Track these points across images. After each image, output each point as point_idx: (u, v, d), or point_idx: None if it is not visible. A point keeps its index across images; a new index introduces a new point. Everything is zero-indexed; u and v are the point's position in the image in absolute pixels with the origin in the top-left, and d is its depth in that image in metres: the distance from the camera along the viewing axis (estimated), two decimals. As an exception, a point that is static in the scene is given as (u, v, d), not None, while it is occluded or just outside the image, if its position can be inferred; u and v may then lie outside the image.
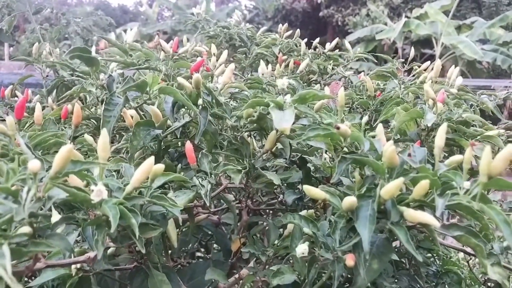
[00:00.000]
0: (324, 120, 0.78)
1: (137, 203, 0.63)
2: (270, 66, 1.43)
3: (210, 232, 1.22)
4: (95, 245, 0.59)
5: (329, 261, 0.72)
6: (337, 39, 1.76)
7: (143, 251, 0.62)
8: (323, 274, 0.77)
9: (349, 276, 0.84)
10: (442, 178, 0.68)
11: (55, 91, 1.36)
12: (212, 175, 0.77)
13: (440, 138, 0.71)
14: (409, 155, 0.72)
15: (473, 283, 1.25)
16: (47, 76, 1.75)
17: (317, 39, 1.75)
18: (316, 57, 1.74)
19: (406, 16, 13.49)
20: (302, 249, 0.70)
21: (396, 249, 1.20)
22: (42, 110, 0.96)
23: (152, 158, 0.62)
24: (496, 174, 0.63)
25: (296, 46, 1.81)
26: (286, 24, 1.85)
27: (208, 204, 0.73)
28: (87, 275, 0.85)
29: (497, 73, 13.14)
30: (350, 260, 0.67)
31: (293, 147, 0.92)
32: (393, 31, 12.72)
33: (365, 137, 0.75)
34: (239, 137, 0.86)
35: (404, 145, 1.05)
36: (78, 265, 0.83)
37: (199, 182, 0.74)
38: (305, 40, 1.76)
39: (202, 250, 1.34)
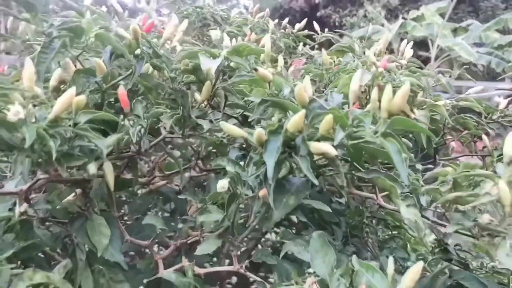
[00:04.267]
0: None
1: (61, 131, 0.67)
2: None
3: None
4: (13, 165, 0.63)
5: (250, 198, 0.76)
6: (305, 20, 1.80)
7: (64, 175, 0.66)
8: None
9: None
10: (354, 121, 0.73)
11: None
12: (144, 119, 0.81)
13: (355, 83, 0.75)
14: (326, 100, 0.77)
15: (418, 248, 1.29)
16: (21, 51, 1.79)
17: (286, 19, 1.80)
18: (285, 37, 1.78)
19: (403, 18, 13.56)
20: (222, 184, 0.74)
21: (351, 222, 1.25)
22: None
23: (73, 88, 0.66)
24: (396, 111, 0.67)
25: (267, 26, 1.85)
26: (258, 5, 1.90)
27: (134, 141, 0.77)
28: (30, 219, 0.89)
29: (492, 76, 13.19)
30: (262, 192, 0.71)
31: (237, 104, 0.97)
32: (389, 32, 12.77)
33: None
34: (178, 89, 0.90)
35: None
36: (22, 209, 0.87)
37: (129, 123, 0.78)
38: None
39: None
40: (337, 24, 15.02)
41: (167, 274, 0.84)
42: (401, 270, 1.25)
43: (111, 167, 0.86)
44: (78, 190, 0.94)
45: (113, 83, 0.89)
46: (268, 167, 0.65)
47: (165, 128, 0.91)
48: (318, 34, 1.80)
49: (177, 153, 1.05)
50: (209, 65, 0.76)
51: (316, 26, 1.83)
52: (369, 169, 0.82)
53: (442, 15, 13.59)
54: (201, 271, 0.87)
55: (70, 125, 0.70)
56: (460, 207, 0.81)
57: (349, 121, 0.71)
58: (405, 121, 0.71)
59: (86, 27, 0.78)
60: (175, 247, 1.00)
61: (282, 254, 0.80)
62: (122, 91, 0.79)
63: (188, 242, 0.97)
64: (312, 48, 1.78)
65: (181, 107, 0.86)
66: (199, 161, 1.12)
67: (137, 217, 1.14)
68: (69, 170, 0.89)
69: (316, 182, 0.65)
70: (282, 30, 1.81)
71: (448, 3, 12.90)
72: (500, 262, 0.70)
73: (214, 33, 0.90)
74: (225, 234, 0.85)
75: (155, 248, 1.11)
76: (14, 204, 0.86)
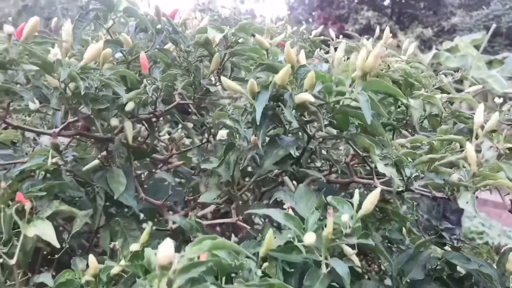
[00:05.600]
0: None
1: (89, 77, 0.81)
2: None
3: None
4: (51, 102, 0.78)
5: (245, 147, 0.88)
6: (321, 26, 1.93)
7: (89, 112, 0.80)
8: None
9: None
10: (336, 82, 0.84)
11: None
12: (160, 81, 0.95)
13: (339, 51, 0.87)
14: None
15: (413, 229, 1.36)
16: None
17: (304, 26, 1.94)
18: (302, 42, 1.92)
19: (436, 48, 13.53)
20: (221, 133, 0.86)
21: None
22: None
23: (101, 42, 0.80)
24: (369, 69, 0.79)
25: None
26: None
27: (150, 95, 0.90)
28: (60, 168, 1.03)
29: (527, 109, 12.88)
30: (253, 140, 0.83)
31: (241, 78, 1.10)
32: (422, 63, 12.76)
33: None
34: (192, 62, 1.04)
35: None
36: (54, 160, 1.02)
37: (146, 84, 0.92)
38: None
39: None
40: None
41: (172, 217, 0.96)
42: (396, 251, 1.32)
43: (131, 125, 1.00)
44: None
45: (137, 56, 1.04)
46: (257, 112, 0.77)
47: (180, 95, 1.04)
48: (333, 40, 1.93)
49: (190, 124, 1.18)
50: (214, 34, 0.89)
51: (331, 33, 1.96)
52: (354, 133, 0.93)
53: (477, 47, 13.50)
54: (204, 223, 0.98)
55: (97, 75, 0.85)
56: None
57: (332, 81, 0.82)
58: (379, 82, 0.82)
59: (116, 2, 0.94)
60: (185, 212, 1.13)
61: (271, 200, 0.90)
62: (143, 55, 0.93)
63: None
64: (327, 52, 1.91)
65: (193, 75, 0.99)
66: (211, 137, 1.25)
67: (153, 183, 1.27)
68: (94, 128, 1.04)
69: (296, 124, 0.76)
70: (299, 36, 1.94)
71: (483, 35, 12.82)
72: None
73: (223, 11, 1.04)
74: (226, 186, 0.97)
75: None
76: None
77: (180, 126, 1.18)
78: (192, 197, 1.09)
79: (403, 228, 1.36)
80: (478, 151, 0.86)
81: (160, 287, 0.47)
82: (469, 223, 6.28)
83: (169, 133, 1.56)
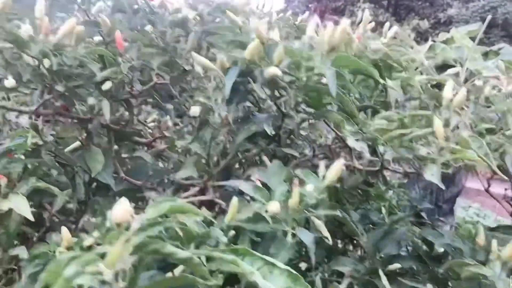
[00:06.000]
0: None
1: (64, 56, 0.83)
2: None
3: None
4: (23, 78, 0.79)
5: (219, 124, 0.90)
6: (307, 13, 1.94)
7: (61, 89, 0.82)
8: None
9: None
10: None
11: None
12: (136, 60, 0.96)
13: (309, 30, 0.89)
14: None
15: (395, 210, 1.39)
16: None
17: (289, 12, 1.95)
18: (288, 27, 1.93)
19: (433, 40, 13.53)
20: (194, 109, 0.88)
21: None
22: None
23: (73, 19, 0.82)
24: (335, 45, 0.80)
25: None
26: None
27: (125, 72, 0.92)
28: (39, 148, 1.05)
29: (524, 101, 12.92)
30: (225, 118, 0.85)
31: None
32: (418, 54, 12.77)
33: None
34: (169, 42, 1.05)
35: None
36: (33, 140, 1.03)
37: (120, 62, 0.93)
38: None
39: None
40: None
41: (149, 194, 0.98)
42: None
43: (108, 104, 1.02)
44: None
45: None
46: (226, 87, 0.78)
47: (158, 75, 1.06)
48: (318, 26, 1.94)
49: (170, 106, 1.19)
50: (187, 12, 0.91)
51: (316, 18, 1.97)
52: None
53: (473, 38, 13.51)
54: (180, 201, 1.00)
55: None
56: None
57: (302, 56, 0.84)
58: (348, 58, 0.84)
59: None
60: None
61: (244, 176, 0.92)
62: (118, 34, 0.94)
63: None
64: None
65: (169, 55, 1.01)
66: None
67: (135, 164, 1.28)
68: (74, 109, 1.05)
69: (263, 95, 0.78)
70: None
71: (479, 26, 12.84)
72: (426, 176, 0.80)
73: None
74: (202, 164, 0.99)
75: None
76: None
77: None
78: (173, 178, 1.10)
79: (383, 208, 1.38)
80: (447, 126, 0.88)
81: (117, 246, 0.49)
82: (464, 213, 6.33)
83: (158, 121, 1.57)
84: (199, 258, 0.60)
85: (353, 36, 1.17)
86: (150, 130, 1.48)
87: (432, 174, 0.80)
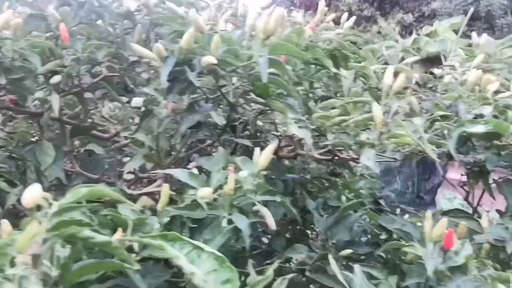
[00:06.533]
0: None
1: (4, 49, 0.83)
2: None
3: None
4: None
5: (164, 115, 0.90)
6: (273, 6, 1.95)
7: (2, 82, 0.82)
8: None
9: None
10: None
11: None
12: (82, 52, 0.96)
13: (249, 19, 0.90)
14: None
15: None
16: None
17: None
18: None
19: (417, 34, 13.63)
20: (136, 100, 0.88)
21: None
22: None
23: (10, 11, 0.82)
24: (270, 32, 0.81)
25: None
26: None
27: (67, 65, 0.92)
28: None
29: (507, 92, 13.08)
30: (170, 106, 0.86)
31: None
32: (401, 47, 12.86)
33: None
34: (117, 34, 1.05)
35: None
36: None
37: (64, 55, 0.93)
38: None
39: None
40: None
41: (100, 185, 0.98)
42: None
43: (57, 98, 1.02)
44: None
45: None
46: (163, 76, 0.79)
47: (108, 68, 1.06)
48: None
49: (124, 99, 1.20)
50: (129, 4, 0.91)
51: (282, 10, 1.98)
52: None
53: (456, 31, 13.63)
54: (129, 191, 1.01)
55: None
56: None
57: (241, 45, 0.85)
58: (286, 46, 0.85)
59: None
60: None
61: (192, 165, 0.93)
62: (62, 27, 0.95)
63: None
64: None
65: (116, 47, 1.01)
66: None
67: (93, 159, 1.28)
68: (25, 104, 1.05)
69: (197, 83, 0.78)
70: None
71: (462, 19, 12.96)
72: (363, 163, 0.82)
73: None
74: (152, 156, 1.00)
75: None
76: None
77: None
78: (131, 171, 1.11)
79: (343, 197, 1.40)
80: (388, 111, 0.90)
81: (28, 230, 0.49)
82: (448, 204, 6.40)
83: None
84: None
85: (303, 27, 1.19)
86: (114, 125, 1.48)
87: (368, 158, 0.82)
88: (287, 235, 1.43)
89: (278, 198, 0.81)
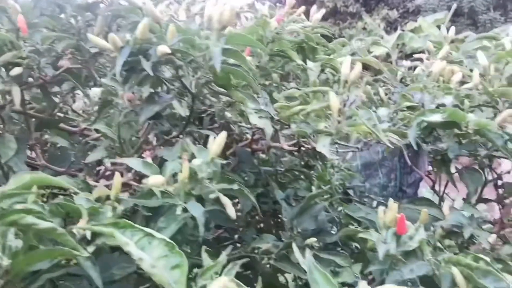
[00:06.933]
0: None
1: None
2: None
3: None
4: None
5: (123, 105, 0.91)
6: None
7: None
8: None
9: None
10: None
11: None
12: (41, 44, 0.96)
13: (207, 9, 0.90)
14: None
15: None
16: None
17: None
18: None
19: (402, 29, 13.74)
20: (94, 91, 0.88)
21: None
22: None
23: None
24: (225, 22, 0.82)
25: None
26: None
27: (25, 56, 0.92)
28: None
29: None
30: (128, 96, 0.86)
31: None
32: (387, 44, 12.96)
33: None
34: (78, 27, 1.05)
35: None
36: None
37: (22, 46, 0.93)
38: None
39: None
40: (336, 36, 15.25)
41: (61, 177, 0.98)
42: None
43: (18, 90, 1.01)
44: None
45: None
46: (117, 65, 0.79)
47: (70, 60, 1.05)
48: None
49: (90, 92, 1.19)
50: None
51: (257, 4, 1.98)
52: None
53: (439, 27, 13.77)
54: (94, 183, 1.01)
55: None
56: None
57: (200, 35, 0.85)
58: (242, 36, 0.86)
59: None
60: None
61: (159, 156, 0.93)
62: (20, 18, 0.94)
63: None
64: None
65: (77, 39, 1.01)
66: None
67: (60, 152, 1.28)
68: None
69: (150, 72, 0.79)
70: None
71: (445, 14, 13.10)
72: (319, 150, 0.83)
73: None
74: (116, 147, 1.00)
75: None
76: None
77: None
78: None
79: (313, 188, 1.41)
80: (346, 100, 0.91)
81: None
82: (433, 198, 6.48)
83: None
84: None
85: (269, 19, 1.19)
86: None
87: (323, 145, 0.83)
88: (261, 226, 1.45)
89: (235, 186, 0.82)
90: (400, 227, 0.78)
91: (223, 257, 0.70)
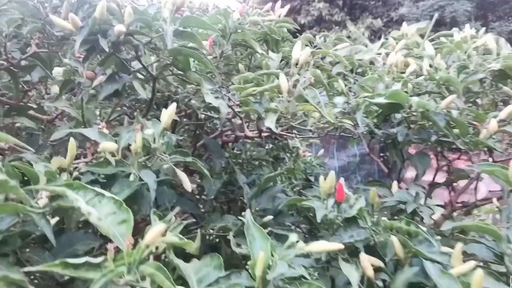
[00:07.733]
0: None
1: None
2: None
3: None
4: None
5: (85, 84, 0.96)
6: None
7: None
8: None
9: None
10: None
11: None
12: (7, 27, 1.01)
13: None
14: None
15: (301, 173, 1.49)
16: None
17: None
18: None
19: (385, 38, 13.97)
20: (57, 70, 0.93)
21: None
22: None
23: None
24: (179, 3, 0.88)
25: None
26: None
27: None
28: None
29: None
30: (88, 75, 0.91)
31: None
32: (371, 52, 13.17)
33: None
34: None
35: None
36: None
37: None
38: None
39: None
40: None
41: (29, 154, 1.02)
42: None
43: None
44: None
45: (-4, 8, 1.09)
46: (76, 44, 0.84)
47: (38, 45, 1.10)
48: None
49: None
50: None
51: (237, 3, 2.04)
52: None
53: (422, 35, 14.04)
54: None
55: None
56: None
57: (158, 18, 0.91)
58: (196, 19, 0.92)
59: None
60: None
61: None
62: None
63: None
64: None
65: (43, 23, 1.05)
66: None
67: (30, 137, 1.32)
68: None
69: (106, 48, 0.84)
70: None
71: (428, 24, 13.38)
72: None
73: None
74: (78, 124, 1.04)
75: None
76: None
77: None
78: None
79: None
80: (297, 82, 0.98)
81: None
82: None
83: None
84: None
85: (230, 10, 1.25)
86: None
87: (271, 121, 0.89)
88: (227, 210, 1.51)
89: (189, 159, 0.87)
90: (339, 195, 0.84)
91: (170, 216, 0.74)
